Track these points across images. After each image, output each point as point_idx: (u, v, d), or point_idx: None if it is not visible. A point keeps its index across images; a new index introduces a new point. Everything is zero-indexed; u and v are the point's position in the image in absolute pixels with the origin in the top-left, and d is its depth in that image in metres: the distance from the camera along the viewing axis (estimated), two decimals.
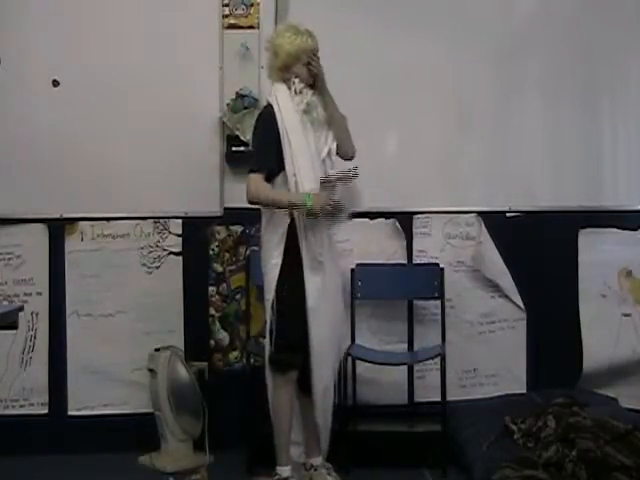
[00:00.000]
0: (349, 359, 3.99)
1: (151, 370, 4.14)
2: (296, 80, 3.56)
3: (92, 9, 4.28)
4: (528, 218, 4.39)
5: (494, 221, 4.39)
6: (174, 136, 4.28)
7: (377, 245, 4.37)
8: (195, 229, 4.35)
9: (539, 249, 4.37)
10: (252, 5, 4.34)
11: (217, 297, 4.36)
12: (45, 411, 4.30)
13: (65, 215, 4.31)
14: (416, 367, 4.31)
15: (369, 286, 4.25)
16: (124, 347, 4.30)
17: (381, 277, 4.26)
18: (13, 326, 3.27)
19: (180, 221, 4.35)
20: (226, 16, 4.34)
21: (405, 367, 4.29)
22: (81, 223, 4.33)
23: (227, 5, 4.34)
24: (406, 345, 4.36)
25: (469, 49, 4.36)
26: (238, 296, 4.35)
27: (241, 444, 3.97)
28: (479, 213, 4.41)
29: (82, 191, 4.29)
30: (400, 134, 4.40)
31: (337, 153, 3.67)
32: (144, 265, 4.34)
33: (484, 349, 4.38)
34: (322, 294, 3.53)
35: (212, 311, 4.36)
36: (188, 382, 4.13)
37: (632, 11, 4.44)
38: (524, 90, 4.43)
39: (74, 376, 4.29)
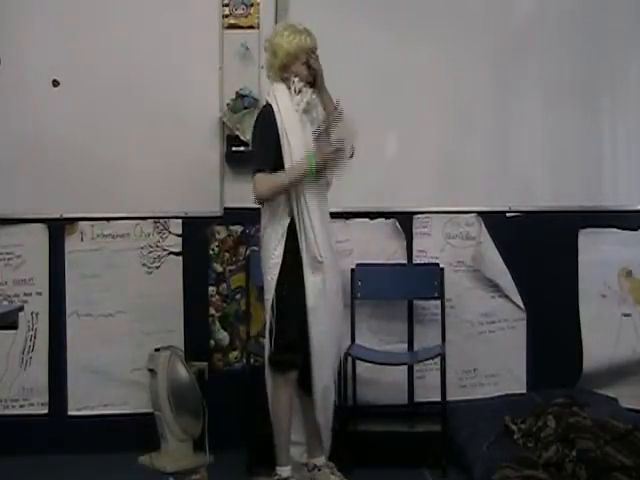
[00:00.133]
0: (349, 359, 4.00)
1: (151, 370, 4.14)
2: (295, 79, 3.56)
3: (92, 9, 4.29)
4: (528, 218, 4.39)
5: (494, 221, 4.39)
6: (174, 136, 4.28)
7: (377, 245, 4.36)
8: (195, 229, 4.35)
9: (539, 249, 4.36)
10: (252, 5, 4.34)
11: (217, 297, 4.36)
12: (45, 411, 4.30)
13: (65, 215, 4.31)
14: (416, 367, 4.31)
15: (369, 286, 4.25)
16: (124, 347, 4.30)
17: (381, 277, 4.26)
18: (13, 326, 3.27)
19: (180, 221, 4.35)
20: (226, 16, 4.34)
21: (405, 367, 4.29)
22: (81, 223, 4.33)
23: (227, 5, 4.34)
24: (406, 345, 4.36)
25: (469, 49, 4.36)
26: (238, 296, 4.35)
27: (241, 444, 3.97)
28: (479, 213, 4.41)
29: (82, 191, 4.29)
30: (400, 134, 4.39)
31: None
32: (144, 265, 4.34)
33: (484, 349, 4.38)
34: (322, 294, 3.53)
35: (212, 311, 4.36)
36: (188, 382, 4.13)
37: (632, 11, 4.44)
38: (524, 90, 4.42)
39: (74, 376, 4.30)
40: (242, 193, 4.31)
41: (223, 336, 4.36)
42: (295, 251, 3.52)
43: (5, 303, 4.13)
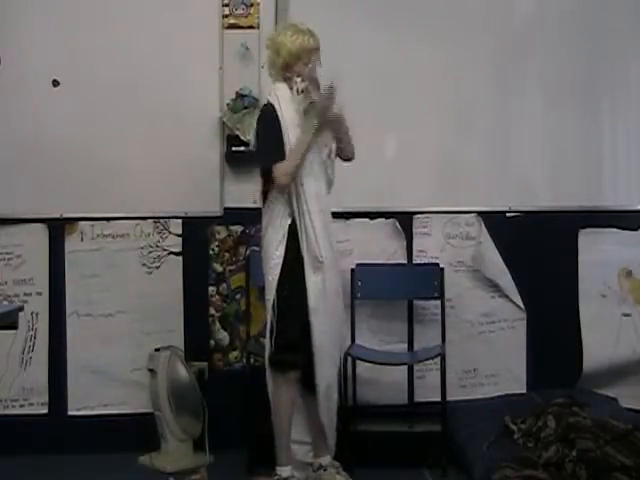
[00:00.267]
0: (349, 359, 3.99)
1: (151, 370, 4.14)
2: (298, 80, 3.55)
3: (92, 9, 4.29)
4: (528, 218, 4.39)
5: (494, 221, 4.39)
6: (174, 136, 4.28)
7: (377, 245, 4.36)
8: (195, 229, 4.35)
9: (539, 249, 4.36)
10: (252, 5, 4.34)
11: (217, 297, 4.36)
12: (45, 411, 4.30)
13: (65, 215, 4.31)
14: (416, 367, 4.31)
15: (369, 286, 4.25)
16: (124, 347, 4.30)
17: (381, 277, 4.26)
18: (13, 326, 3.26)
19: (180, 221, 4.35)
20: (226, 16, 4.34)
21: (405, 367, 4.29)
22: (81, 223, 4.33)
23: (227, 5, 4.34)
24: (406, 345, 4.36)
25: (469, 50, 4.36)
26: (238, 296, 4.35)
27: (241, 444, 3.97)
28: (479, 213, 4.41)
29: (82, 191, 4.29)
30: (400, 134, 4.39)
31: (337, 155, 3.67)
32: (144, 265, 4.34)
33: (484, 349, 4.38)
34: (323, 294, 3.54)
35: (212, 311, 4.36)
36: (188, 382, 4.13)
37: (632, 12, 4.44)
38: (524, 90, 4.43)
39: (74, 376, 4.29)
40: (242, 193, 4.32)
41: (223, 336, 4.36)
42: (296, 251, 3.52)
43: (5, 303, 4.13)
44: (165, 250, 4.35)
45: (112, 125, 4.29)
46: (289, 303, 3.51)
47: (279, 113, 3.53)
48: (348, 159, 3.71)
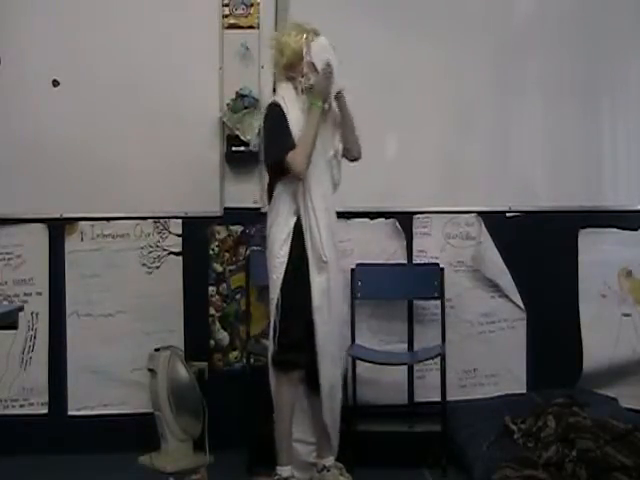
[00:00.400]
0: (349, 359, 3.99)
1: (151, 370, 4.14)
2: (302, 79, 3.55)
3: (92, 9, 4.29)
4: (528, 218, 4.39)
5: (494, 221, 4.39)
6: (174, 136, 4.28)
7: (377, 245, 4.37)
8: (195, 229, 4.35)
9: (539, 249, 4.36)
10: (252, 5, 4.34)
11: (217, 297, 4.36)
12: (45, 411, 4.30)
13: (65, 215, 4.31)
14: (416, 367, 4.31)
15: (369, 286, 4.25)
16: (124, 347, 4.30)
17: (381, 277, 4.26)
18: (13, 326, 3.26)
19: (180, 221, 4.35)
20: (226, 16, 4.34)
21: (405, 367, 4.29)
22: (81, 223, 4.33)
23: (227, 5, 4.34)
24: (406, 345, 4.36)
25: (469, 50, 4.36)
26: (238, 296, 4.35)
27: (241, 444, 3.97)
28: (479, 213, 4.41)
29: (82, 191, 4.29)
30: (400, 134, 4.39)
31: (343, 155, 3.68)
32: (144, 265, 4.34)
33: (484, 349, 4.38)
34: (327, 293, 3.53)
35: (212, 311, 4.36)
36: (188, 382, 4.13)
37: (632, 12, 4.44)
38: (524, 90, 4.43)
39: (74, 376, 4.29)
40: (242, 193, 4.33)
41: (223, 336, 4.36)
42: (301, 250, 3.52)
43: (5, 303, 4.13)
44: (165, 250, 4.35)
45: (112, 125, 4.29)
46: (293, 302, 3.50)
47: (285, 111, 3.53)
48: (355, 159, 3.71)
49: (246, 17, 4.35)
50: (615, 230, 4.42)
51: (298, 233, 3.53)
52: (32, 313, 4.28)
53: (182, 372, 4.13)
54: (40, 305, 4.30)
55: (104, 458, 4.08)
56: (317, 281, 3.52)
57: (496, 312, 4.40)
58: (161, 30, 4.30)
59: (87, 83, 4.29)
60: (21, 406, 4.29)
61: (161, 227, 4.35)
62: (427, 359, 4.16)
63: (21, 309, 3.39)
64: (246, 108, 4.25)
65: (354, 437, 3.90)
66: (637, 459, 3.31)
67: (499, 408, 4.06)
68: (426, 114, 4.35)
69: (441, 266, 4.29)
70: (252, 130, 4.23)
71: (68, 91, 4.30)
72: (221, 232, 4.36)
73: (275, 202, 3.58)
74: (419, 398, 4.34)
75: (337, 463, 3.66)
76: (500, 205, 4.40)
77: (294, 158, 3.47)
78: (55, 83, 4.30)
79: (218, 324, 4.36)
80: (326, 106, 3.54)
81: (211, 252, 4.36)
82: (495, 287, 4.39)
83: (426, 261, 4.37)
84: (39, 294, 4.31)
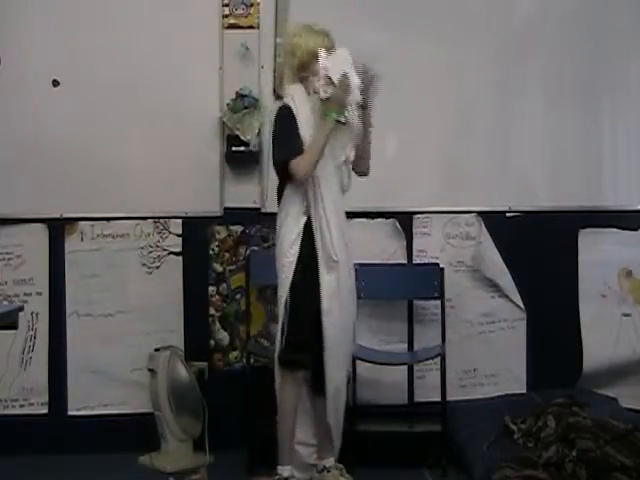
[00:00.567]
0: None
1: (151, 370, 4.14)
2: (314, 78, 3.55)
3: (92, 9, 4.29)
4: (528, 218, 4.39)
5: (494, 221, 4.39)
6: (174, 136, 4.28)
7: (377, 245, 4.36)
8: (195, 229, 4.35)
9: (539, 249, 4.36)
10: (252, 5, 4.34)
11: (217, 297, 4.36)
12: (45, 411, 4.30)
13: (65, 215, 4.31)
14: (416, 367, 4.31)
15: (369, 286, 4.24)
16: (124, 347, 4.30)
17: (381, 277, 4.25)
18: (13, 326, 3.26)
19: (180, 221, 4.35)
20: (226, 16, 4.34)
21: (405, 367, 4.29)
22: (81, 223, 4.33)
23: (227, 5, 4.34)
24: (406, 345, 4.36)
25: (469, 50, 4.36)
26: (238, 296, 4.35)
27: (241, 444, 3.96)
28: (479, 213, 4.41)
29: (82, 191, 4.29)
30: (400, 134, 4.39)
31: (352, 168, 3.67)
32: (144, 265, 4.34)
33: (484, 349, 4.38)
34: (336, 294, 3.52)
35: (212, 311, 4.36)
36: (188, 382, 4.13)
37: (633, 11, 4.45)
38: (524, 90, 4.43)
39: (74, 376, 4.29)
40: (242, 193, 4.33)
41: (223, 336, 4.36)
42: (310, 250, 3.51)
43: (5, 303, 4.13)
44: (165, 250, 4.35)
45: (112, 125, 4.29)
46: (301, 302, 3.49)
47: (295, 113, 3.53)
48: (362, 174, 3.72)
49: (246, 17, 4.34)
50: (615, 230, 4.42)
51: (308, 233, 3.52)
52: (32, 313, 4.28)
53: (182, 372, 4.13)
54: (40, 305, 4.30)
55: (104, 458, 4.08)
56: (327, 280, 3.51)
57: (496, 312, 4.40)
58: (161, 30, 4.30)
59: (87, 83, 4.29)
60: (21, 406, 4.29)
61: (161, 227, 4.35)
62: (427, 359, 4.16)
63: (21, 309, 3.39)
64: (246, 108, 4.25)
65: (354, 437, 3.90)
66: (637, 459, 3.31)
67: (499, 408, 4.06)
68: (426, 114, 4.35)
69: (441, 266, 4.29)
70: (252, 130, 4.23)
71: (68, 91, 4.30)
72: (221, 232, 4.36)
73: (284, 203, 3.57)
74: (419, 398, 4.34)
75: (337, 464, 3.65)
76: (500, 205, 4.40)
77: (298, 164, 3.47)
78: (55, 83, 4.30)
79: (218, 324, 4.36)
80: (342, 119, 3.51)
81: (211, 252, 4.36)
82: (495, 287, 4.40)
83: (426, 261, 4.37)
84: (39, 294, 4.31)
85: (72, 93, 4.30)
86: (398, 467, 3.96)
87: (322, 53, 3.48)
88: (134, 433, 4.18)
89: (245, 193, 4.32)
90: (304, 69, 3.57)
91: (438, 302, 4.27)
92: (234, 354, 4.36)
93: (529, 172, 4.44)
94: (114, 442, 4.16)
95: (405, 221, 4.39)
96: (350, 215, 4.26)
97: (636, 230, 4.43)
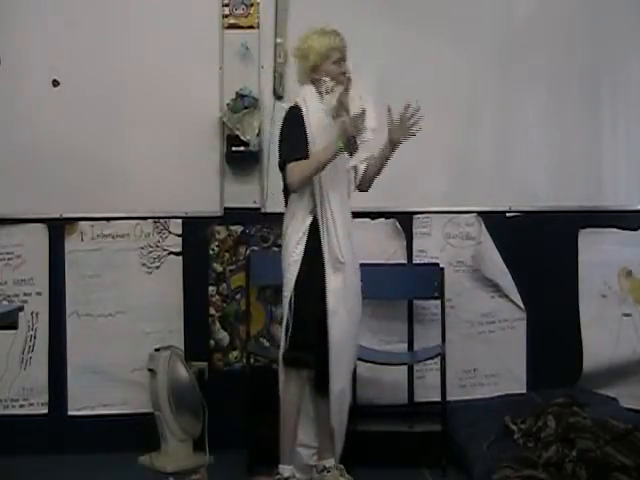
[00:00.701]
0: None
1: (151, 370, 4.14)
2: (327, 79, 3.54)
3: (92, 9, 4.29)
4: (528, 218, 4.39)
5: (494, 221, 4.39)
6: (174, 136, 4.29)
7: (377, 245, 4.36)
8: (195, 229, 4.34)
9: (539, 249, 4.37)
10: (252, 5, 4.34)
11: (217, 297, 4.36)
12: (45, 411, 4.30)
13: (65, 215, 4.31)
14: (416, 367, 4.31)
15: (369, 286, 4.20)
16: (124, 347, 4.30)
17: (381, 277, 4.25)
18: (13, 326, 3.27)
19: (180, 221, 4.35)
20: (226, 16, 4.33)
21: (405, 367, 4.29)
22: (81, 223, 4.33)
23: (227, 5, 4.33)
24: (406, 345, 4.36)
25: (471, 49, 4.36)
26: (238, 296, 4.35)
27: (241, 444, 3.96)
28: (479, 213, 4.41)
29: (82, 191, 4.29)
30: None
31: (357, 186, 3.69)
32: (144, 265, 4.34)
33: (484, 349, 4.38)
34: (342, 296, 3.52)
35: (212, 311, 4.36)
36: (188, 382, 4.13)
37: (633, 12, 4.45)
38: (525, 91, 4.43)
39: (74, 376, 4.29)
40: (242, 193, 4.32)
41: (223, 336, 4.36)
42: (316, 250, 3.51)
43: (5, 303, 4.13)
44: (165, 250, 4.35)
45: (112, 125, 4.29)
46: (306, 301, 3.49)
47: (304, 114, 3.53)
48: (362, 190, 3.74)
49: (246, 17, 4.34)
50: (615, 230, 4.42)
51: (314, 232, 3.52)
52: (32, 313, 4.28)
53: (182, 372, 4.13)
54: (40, 305, 4.30)
55: (104, 458, 4.08)
56: (333, 281, 3.51)
57: (496, 312, 4.40)
58: (161, 30, 4.30)
59: (87, 83, 4.29)
60: (21, 406, 4.29)
61: (161, 227, 4.35)
62: (427, 359, 4.16)
63: (21, 309, 3.40)
64: (246, 108, 4.25)
65: (354, 437, 3.90)
66: (637, 459, 3.31)
67: (499, 408, 4.06)
68: (426, 114, 4.33)
69: (441, 266, 4.29)
70: (252, 130, 4.23)
71: (68, 91, 4.30)
72: (221, 232, 4.36)
73: (291, 204, 3.57)
74: (419, 398, 4.34)
75: (338, 464, 3.65)
76: (500, 205, 4.40)
77: (293, 169, 3.48)
78: (55, 83, 4.30)
79: (218, 324, 4.36)
80: (348, 163, 3.53)
81: (211, 252, 4.36)
82: (495, 287, 4.40)
83: (426, 261, 4.37)
84: (39, 294, 4.31)
85: (72, 93, 4.30)
86: (398, 467, 3.96)
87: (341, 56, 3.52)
88: (134, 433, 4.17)
89: (245, 193, 4.32)
90: (316, 71, 3.57)
91: (438, 302, 4.27)
92: (234, 354, 4.36)
93: (529, 172, 4.44)
94: (114, 442, 4.16)
95: (405, 221, 4.39)
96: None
97: (636, 230, 4.43)
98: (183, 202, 4.33)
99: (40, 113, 4.28)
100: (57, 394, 4.29)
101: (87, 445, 4.19)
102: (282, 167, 3.54)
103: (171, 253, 4.35)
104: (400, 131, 3.58)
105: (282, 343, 3.54)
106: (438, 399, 4.02)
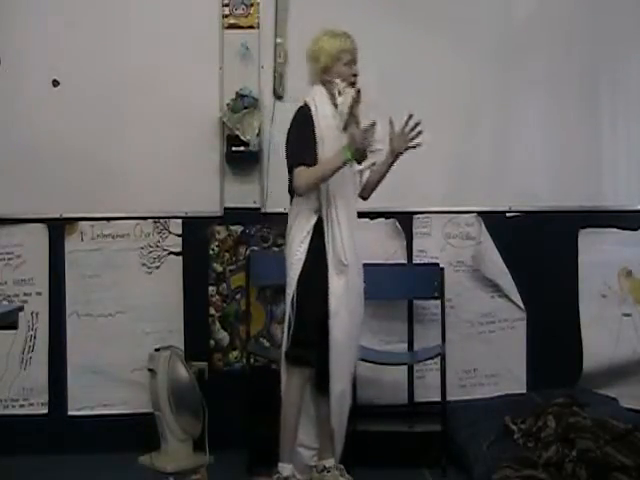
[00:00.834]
0: None
1: (151, 370, 4.14)
2: (338, 80, 3.54)
3: (92, 9, 4.29)
4: (528, 218, 4.39)
5: (494, 221, 4.39)
6: (174, 136, 4.29)
7: (377, 245, 4.36)
8: (195, 229, 4.34)
9: (539, 249, 4.37)
10: (252, 5, 4.34)
11: (217, 297, 4.36)
12: (45, 411, 4.30)
13: (65, 215, 4.31)
14: (416, 367, 4.31)
15: (369, 286, 4.19)
16: (124, 347, 4.30)
17: (381, 277, 4.24)
18: (13, 326, 3.27)
19: (180, 221, 4.35)
20: (226, 16, 4.34)
21: (405, 367, 4.29)
22: (81, 223, 4.33)
23: (227, 5, 4.33)
24: (406, 345, 4.36)
25: (471, 49, 4.36)
26: (238, 296, 4.35)
27: (241, 444, 3.96)
28: (479, 213, 4.41)
29: (82, 191, 4.29)
30: None
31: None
32: (144, 265, 4.34)
33: (484, 349, 4.38)
34: (345, 297, 3.52)
35: (212, 311, 4.36)
36: (188, 382, 4.13)
37: (633, 12, 4.45)
38: (524, 91, 4.43)
39: (74, 376, 4.29)
40: (242, 193, 4.32)
41: (223, 336, 4.36)
42: (320, 249, 3.51)
43: (5, 303, 4.13)
44: (165, 250, 4.35)
45: (112, 125, 4.29)
46: (308, 300, 3.49)
47: (314, 113, 3.53)
48: (363, 198, 3.74)
49: (246, 17, 4.34)
50: (615, 230, 4.43)
51: (319, 232, 3.52)
52: (32, 313, 4.28)
53: (182, 372, 4.13)
54: (40, 305, 4.30)
55: (104, 458, 4.08)
56: (336, 283, 3.51)
57: (496, 312, 4.40)
58: (161, 30, 4.30)
59: (87, 83, 4.29)
60: (21, 406, 4.29)
61: (161, 227, 4.35)
62: (427, 359, 4.16)
63: (21, 309, 3.39)
64: (246, 108, 4.25)
65: (354, 437, 3.90)
66: (637, 459, 3.31)
67: (499, 408, 4.06)
68: (426, 114, 4.32)
69: (441, 266, 4.29)
70: (252, 130, 4.23)
71: (68, 91, 4.30)
72: (221, 232, 4.36)
73: (296, 203, 3.57)
74: (419, 398, 4.34)
75: (338, 465, 3.64)
76: (500, 205, 4.40)
77: (299, 175, 3.48)
78: (55, 83, 4.30)
79: (218, 324, 4.36)
80: (355, 167, 3.53)
81: (211, 252, 4.36)
82: (495, 287, 4.40)
83: (426, 261, 4.37)
84: (39, 294, 4.31)
85: (72, 93, 4.30)
86: (398, 467, 3.96)
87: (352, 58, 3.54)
88: (134, 433, 4.17)
89: (245, 193, 4.32)
90: (327, 72, 3.57)
91: (438, 302, 4.27)
92: (234, 354, 4.36)
93: (529, 172, 4.44)
94: (114, 442, 4.16)
95: (405, 221, 4.39)
96: None
97: (636, 230, 4.43)
98: (183, 202, 4.33)
99: (40, 113, 4.28)
100: (57, 394, 4.29)
101: (87, 445, 4.19)
102: (290, 169, 3.55)
103: (171, 253, 4.35)
104: (402, 142, 3.58)
105: (284, 341, 3.55)
106: (438, 399, 4.02)
